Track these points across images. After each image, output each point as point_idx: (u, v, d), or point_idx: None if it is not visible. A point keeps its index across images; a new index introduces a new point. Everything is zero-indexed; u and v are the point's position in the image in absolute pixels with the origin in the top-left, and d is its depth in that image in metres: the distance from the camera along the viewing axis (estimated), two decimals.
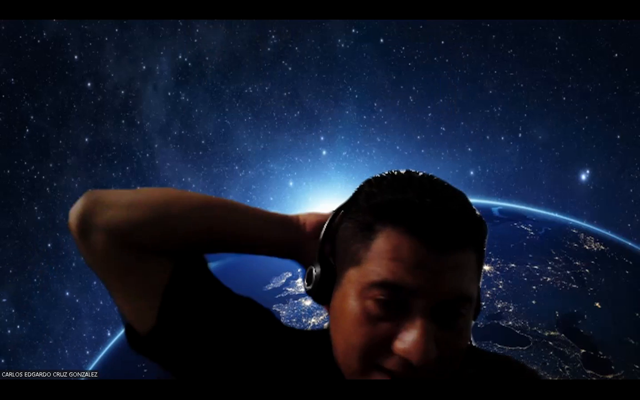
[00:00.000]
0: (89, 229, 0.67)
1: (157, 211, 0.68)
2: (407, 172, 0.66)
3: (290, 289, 11.99)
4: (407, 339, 0.57)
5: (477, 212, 0.64)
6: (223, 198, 0.74)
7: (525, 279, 11.20)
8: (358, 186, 0.69)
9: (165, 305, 0.68)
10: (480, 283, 0.68)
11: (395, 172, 0.66)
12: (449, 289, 0.59)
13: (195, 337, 0.68)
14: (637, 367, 8.84)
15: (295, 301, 11.54)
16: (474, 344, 0.76)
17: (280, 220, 0.74)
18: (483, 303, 0.72)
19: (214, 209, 0.71)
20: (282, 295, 11.88)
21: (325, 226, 0.70)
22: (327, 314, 0.70)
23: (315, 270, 0.68)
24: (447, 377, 0.62)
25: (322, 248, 0.69)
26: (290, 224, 0.74)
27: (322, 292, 0.68)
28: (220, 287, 0.73)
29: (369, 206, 0.62)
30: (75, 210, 0.67)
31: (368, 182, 0.67)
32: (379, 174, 0.67)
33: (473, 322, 0.69)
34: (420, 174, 0.65)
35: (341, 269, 0.66)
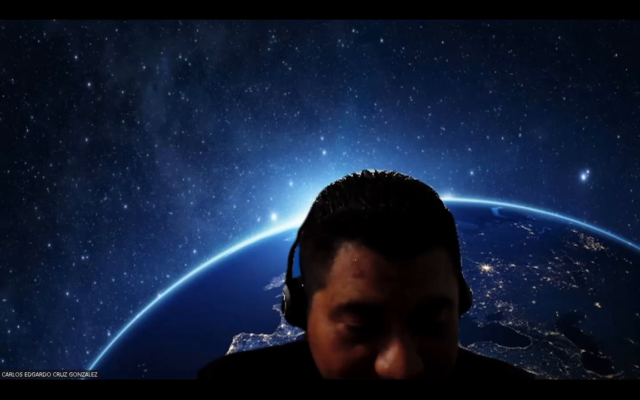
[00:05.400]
0: None
1: None
2: (363, 174, 0.61)
3: None
4: (388, 358, 0.54)
5: (440, 206, 0.59)
6: None
7: (525, 279, 11.18)
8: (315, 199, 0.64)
9: None
10: (463, 273, 0.65)
11: (348, 178, 0.61)
12: (420, 296, 0.54)
13: None
14: (637, 367, 8.83)
15: None
16: (464, 348, 0.72)
17: None
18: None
19: None
20: None
21: (290, 247, 0.66)
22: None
23: (285, 296, 0.65)
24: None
25: (289, 271, 0.66)
26: None
27: (295, 317, 0.65)
28: None
29: (322, 222, 0.58)
30: None
31: (322, 194, 0.63)
32: (334, 182, 0.63)
33: (465, 314, 0.66)
34: (375, 173, 0.61)
35: (309, 292, 0.62)
